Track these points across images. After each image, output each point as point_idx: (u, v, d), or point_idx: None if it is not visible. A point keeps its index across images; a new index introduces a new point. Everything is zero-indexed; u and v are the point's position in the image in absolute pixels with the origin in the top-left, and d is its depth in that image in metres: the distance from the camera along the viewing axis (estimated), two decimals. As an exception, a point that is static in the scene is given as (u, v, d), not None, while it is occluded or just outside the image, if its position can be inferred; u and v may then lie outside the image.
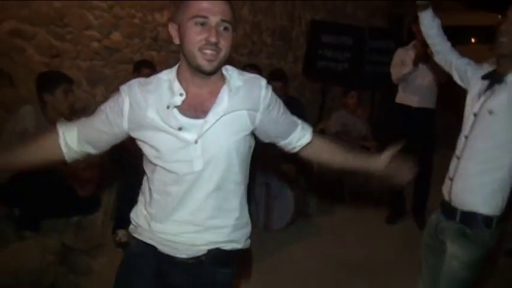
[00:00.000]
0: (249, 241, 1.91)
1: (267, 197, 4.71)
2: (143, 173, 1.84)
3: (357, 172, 2.05)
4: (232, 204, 1.78)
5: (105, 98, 1.78)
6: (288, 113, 1.89)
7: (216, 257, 1.78)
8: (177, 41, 1.67)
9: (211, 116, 1.64)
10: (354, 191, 5.72)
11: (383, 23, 8.50)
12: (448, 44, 2.69)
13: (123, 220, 2.96)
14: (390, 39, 7.30)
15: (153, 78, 1.72)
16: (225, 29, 1.61)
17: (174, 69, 1.72)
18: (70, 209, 3.58)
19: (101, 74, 4.68)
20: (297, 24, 7.13)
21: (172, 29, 1.67)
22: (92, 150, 1.81)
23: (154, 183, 1.73)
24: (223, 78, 1.71)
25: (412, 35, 4.82)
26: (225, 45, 1.61)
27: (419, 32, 2.88)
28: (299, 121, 1.93)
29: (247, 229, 1.88)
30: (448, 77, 2.73)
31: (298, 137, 1.91)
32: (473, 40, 11.07)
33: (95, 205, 3.77)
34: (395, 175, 2.03)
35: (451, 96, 3.74)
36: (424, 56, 4.39)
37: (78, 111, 3.65)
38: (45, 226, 3.42)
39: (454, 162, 2.39)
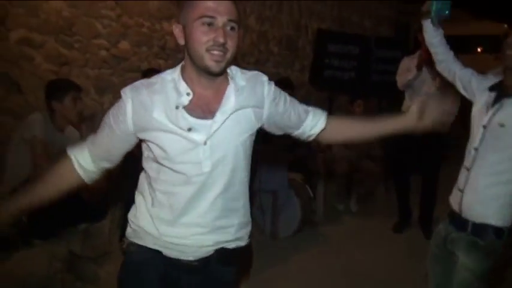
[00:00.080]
0: (249, 239, 1.89)
1: (274, 205, 4.70)
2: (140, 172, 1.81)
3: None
4: (239, 203, 1.77)
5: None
6: (296, 103, 1.88)
7: (223, 256, 1.77)
8: (182, 41, 1.64)
9: (219, 116, 1.62)
10: (360, 199, 5.73)
11: (389, 32, 8.52)
12: (451, 54, 2.69)
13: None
14: (396, 48, 7.30)
15: (157, 79, 1.68)
16: (232, 28, 1.59)
17: (177, 69, 1.69)
18: (77, 217, 3.59)
19: (108, 82, 4.72)
20: (303, 33, 7.17)
21: (177, 30, 1.64)
22: (108, 165, 1.78)
23: (160, 183, 1.69)
24: (227, 78, 1.70)
25: (418, 44, 4.81)
26: (232, 45, 1.59)
27: (424, 40, 2.88)
28: (310, 109, 1.91)
29: (249, 227, 1.86)
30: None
31: (311, 125, 1.89)
32: (479, 49, 11.08)
33: (102, 213, 3.77)
34: (435, 121, 1.86)
35: (460, 107, 3.74)
36: (429, 60, 4.37)
37: (86, 119, 3.67)
38: (52, 234, 3.43)
39: (463, 174, 2.38)
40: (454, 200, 2.43)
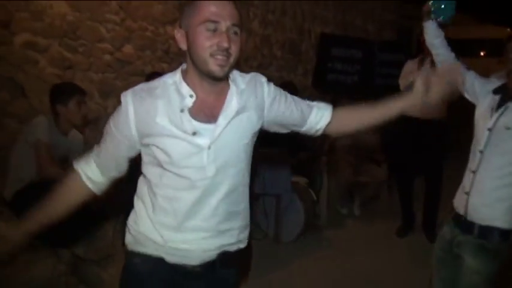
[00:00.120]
0: (248, 241, 1.88)
1: (277, 209, 4.70)
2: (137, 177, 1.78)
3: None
4: (240, 206, 1.76)
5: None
6: (298, 100, 1.87)
7: (226, 259, 1.76)
8: (184, 47, 1.61)
9: (222, 120, 1.61)
10: (364, 203, 5.73)
11: (392, 36, 8.53)
12: (452, 55, 2.69)
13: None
14: (399, 52, 7.29)
15: (158, 82, 1.64)
16: (235, 33, 1.57)
17: (177, 73, 1.66)
18: (81, 220, 3.59)
19: (112, 86, 4.74)
20: (306, 37, 7.18)
21: (179, 35, 1.62)
22: (117, 174, 1.76)
23: (162, 188, 1.65)
24: (228, 82, 1.68)
25: (421, 47, 4.82)
26: (235, 50, 1.57)
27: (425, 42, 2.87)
28: (314, 104, 1.90)
29: (249, 229, 1.86)
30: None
31: (316, 120, 1.88)
32: (482, 53, 11.07)
33: (105, 216, 3.78)
34: (441, 94, 1.79)
35: (461, 109, 3.73)
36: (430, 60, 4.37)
37: (90, 123, 3.68)
38: (56, 238, 3.43)
39: (469, 177, 2.38)
40: (459, 202, 2.43)
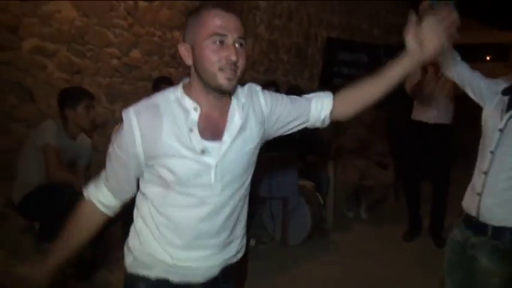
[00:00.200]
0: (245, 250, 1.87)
1: (284, 212, 4.71)
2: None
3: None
4: (242, 217, 1.76)
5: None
6: (294, 98, 1.84)
7: (228, 271, 1.77)
8: (189, 61, 1.57)
9: (227, 137, 1.59)
10: (370, 207, 5.72)
11: (398, 40, 8.51)
12: (458, 57, 2.65)
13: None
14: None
15: (159, 98, 1.59)
16: (241, 45, 1.54)
17: (179, 88, 1.62)
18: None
19: (120, 91, 4.77)
20: (312, 41, 7.20)
21: (183, 49, 1.58)
22: (131, 195, 1.70)
23: (167, 208, 1.61)
24: (229, 96, 1.65)
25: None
26: (242, 62, 1.54)
27: None
28: (312, 95, 1.86)
29: (245, 237, 1.85)
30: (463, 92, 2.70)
31: (318, 111, 1.83)
32: (488, 58, 11.04)
33: (112, 218, 3.79)
34: (440, 40, 1.64)
35: (466, 112, 3.73)
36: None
37: (98, 127, 3.70)
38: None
39: (480, 178, 2.36)
40: (470, 204, 2.40)
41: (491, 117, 2.36)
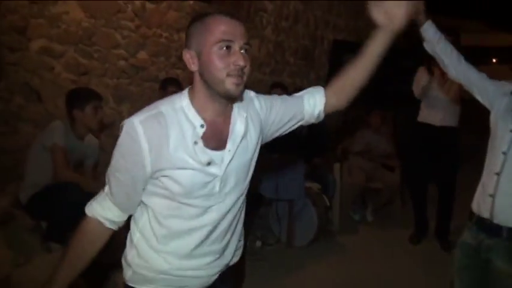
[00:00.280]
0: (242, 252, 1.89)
1: (290, 213, 4.70)
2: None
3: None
4: (241, 220, 1.77)
5: (131, 115, 1.57)
6: (285, 98, 1.85)
7: (224, 276, 1.78)
8: (194, 68, 1.56)
9: (230, 145, 1.60)
10: (377, 209, 5.70)
11: (404, 43, 8.50)
12: (462, 59, 2.61)
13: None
14: (412, 58, 7.27)
15: (165, 107, 1.57)
16: (246, 51, 1.55)
17: (185, 97, 1.60)
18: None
19: (127, 92, 4.79)
20: (319, 43, 7.20)
21: (188, 56, 1.56)
22: (136, 207, 1.67)
23: (169, 218, 1.60)
24: (231, 104, 1.66)
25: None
26: (248, 68, 1.55)
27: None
28: (303, 92, 1.87)
29: (243, 239, 1.86)
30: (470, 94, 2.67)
31: (311, 107, 1.84)
32: (494, 60, 11.04)
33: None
34: (406, 11, 1.68)
35: (472, 115, 3.71)
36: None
37: (106, 128, 3.71)
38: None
39: (493, 179, 2.33)
40: (482, 206, 2.36)
41: (501, 119, 2.35)
